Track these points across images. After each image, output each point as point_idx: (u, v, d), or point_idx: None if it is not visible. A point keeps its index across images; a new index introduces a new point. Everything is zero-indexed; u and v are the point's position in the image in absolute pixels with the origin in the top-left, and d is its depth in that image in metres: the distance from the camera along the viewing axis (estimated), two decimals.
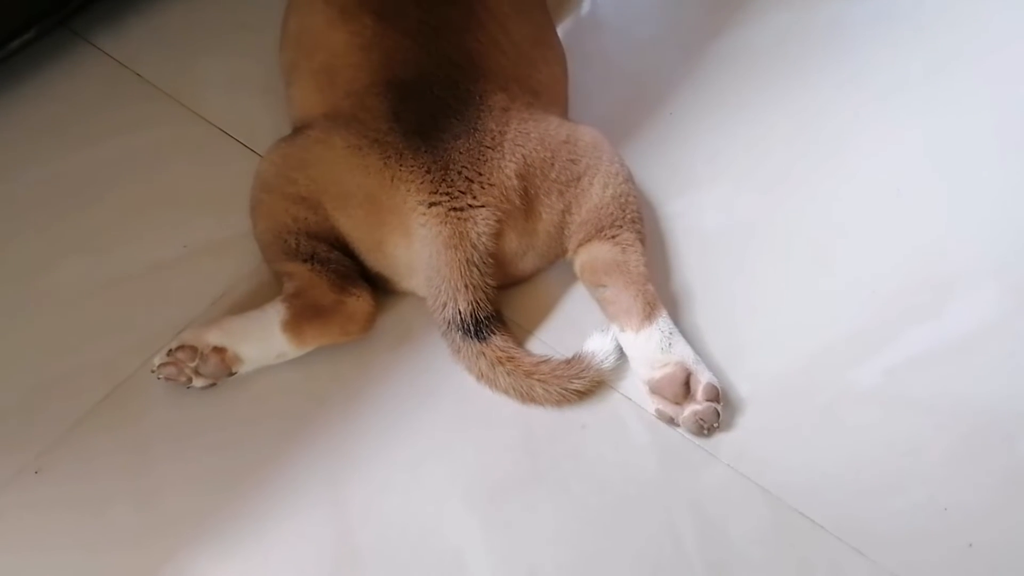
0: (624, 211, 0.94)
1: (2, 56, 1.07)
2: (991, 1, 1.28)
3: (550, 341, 0.94)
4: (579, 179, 0.93)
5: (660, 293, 0.94)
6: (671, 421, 0.87)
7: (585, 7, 1.28)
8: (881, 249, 1.03)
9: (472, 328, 0.87)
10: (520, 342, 0.92)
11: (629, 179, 0.96)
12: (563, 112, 1.04)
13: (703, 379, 0.86)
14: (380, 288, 0.93)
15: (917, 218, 1.06)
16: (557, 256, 0.95)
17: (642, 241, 0.93)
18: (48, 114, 1.10)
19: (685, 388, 0.86)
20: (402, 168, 0.87)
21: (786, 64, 1.21)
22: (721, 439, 0.88)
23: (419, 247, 0.88)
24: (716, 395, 0.86)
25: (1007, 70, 1.20)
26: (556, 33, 1.09)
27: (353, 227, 0.90)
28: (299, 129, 0.95)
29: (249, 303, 0.92)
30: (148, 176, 1.05)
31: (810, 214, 1.06)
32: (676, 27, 1.24)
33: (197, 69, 1.15)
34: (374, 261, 0.91)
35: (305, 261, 0.88)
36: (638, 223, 0.94)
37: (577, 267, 0.93)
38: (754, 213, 1.06)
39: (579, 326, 0.93)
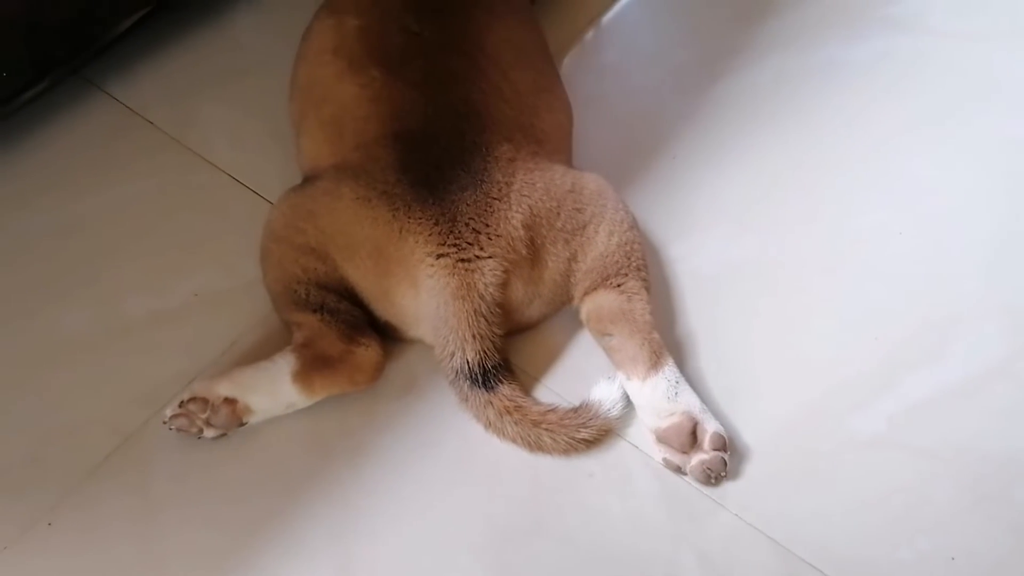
0: (629, 259, 0.95)
1: (16, 107, 1.08)
2: (992, 43, 1.29)
3: (557, 389, 0.95)
4: (584, 227, 0.94)
5: (664, 338, 0.95)
6: (678, 470, 0.88)
7: (581, 51, 1.29)
8: (883, 291, 1.04)
9: (480, 377, 0.87)
10: (527, 390, 0.93)
11: (634, 226, 0.97)
12: (567, 158, 1.06)
13: (710, 428, 0.87)
14: (387, 336, 0.94)
15: (919, 259, 1.07)
16: (563, 303, 0.96)
17: (647, 288, 0.94)
18: (58, 162, 1.11)
19: (692, 437, 0.87)
20: (410, 220, 0.89)
21: (786, 106, 1.23)
22: (728, 488, 0.88)
23: (426, 297, 0.89)
24: (723, 444, 0.86)
25: (1009, 111, 1.22)
26: (559, 79, 1.11)
27: (361, 277, 0.91)
28: (308, 179, 0.97)
29: (259, 351, 0.93)
30: (158, 223, 1.06)
31: (811, 256, 1.07)
32: (677, 71, 1.26)
33: (207, 115, 1.17)
34: (382, 310, 0.92)
35: (314, 311, 0.89)
36: (643, 270, 0.95)
37: (583, 316, 0.94)
38: (755, 255, 1.07)
39: (586, 373, 0.94)
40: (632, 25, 1.31)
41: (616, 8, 1.32)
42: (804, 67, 1.27)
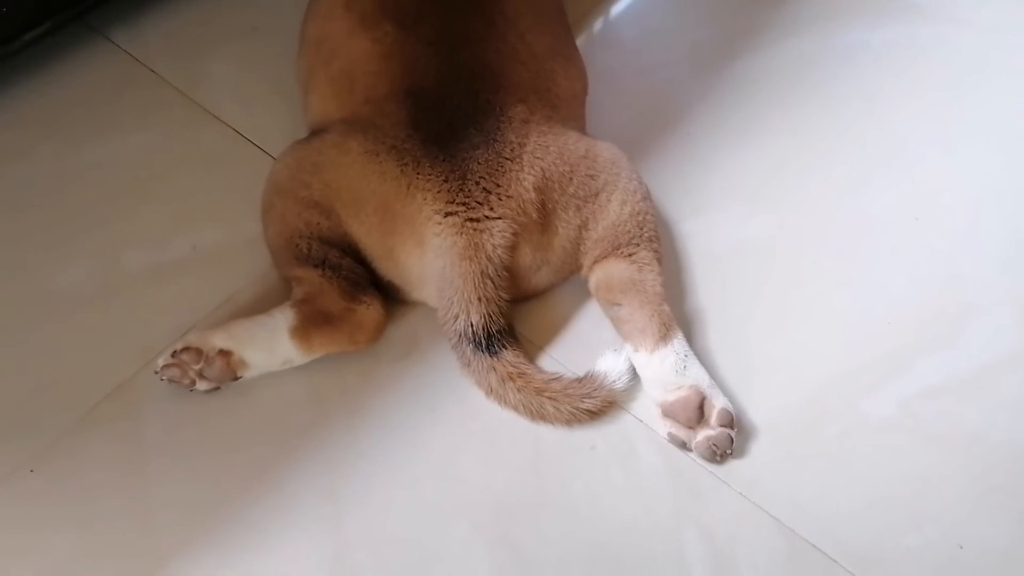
0: (642, 229, 0.92)
1: (17, 47, 1.05)
2: (1015, 34, 1.27)
3: (562, 359, 0.92)
4: (597, 195, 0.92)
5: (673, 313, 0.93)
6: (683, 445, 0.86)
7: (599, 24, 1.27)
8: (898, 275, 1.02)
9: (484, 342, 0.85)
10: (532, 359, 0.91)
11: (647, 197, 0.95)
12: (581, 127, 1.03)
13: (718, 404, 0.84)
14: (390, 297, 0.92)
15: (935, 245, 1.05)
16: (572, 272, 0.94)
17: (659, 260, 0.92)
18: (58, 109, 1.08)
19: (699, 412, 0.84)
20: (419, 176, 0.86)
21: (804, 89, 1.20)
22: (734, 466, 0.86)
23: (432, 257, 0.86)
24: (730, 421, 0.84)
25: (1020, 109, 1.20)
26: (576, 47, 1.08)
27: (365, 233, 0.88)
28: (316, 132, 0.94)
29: (256, 308, 0.90)
30: (159, 176, 1.03)
31: (826, 238, 1.05)
32: (695, 49, 1.23)
33: (213, 69, 1.14)
34: (385, 269, 0.89)
35: (316, 267, 0.87)
36: (655, 242, 0.93)
37: (592, 284, 0.92)
38: (769, 236, 1.05)
39: (592, 345, 0.92)
40: (651, 1, 1.28)
41: None
42: (824, 50, 1.25)
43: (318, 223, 0.88)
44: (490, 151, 0.88)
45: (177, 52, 1.15)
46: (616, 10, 1.27)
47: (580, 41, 1.21)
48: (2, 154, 1.04)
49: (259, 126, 1.08)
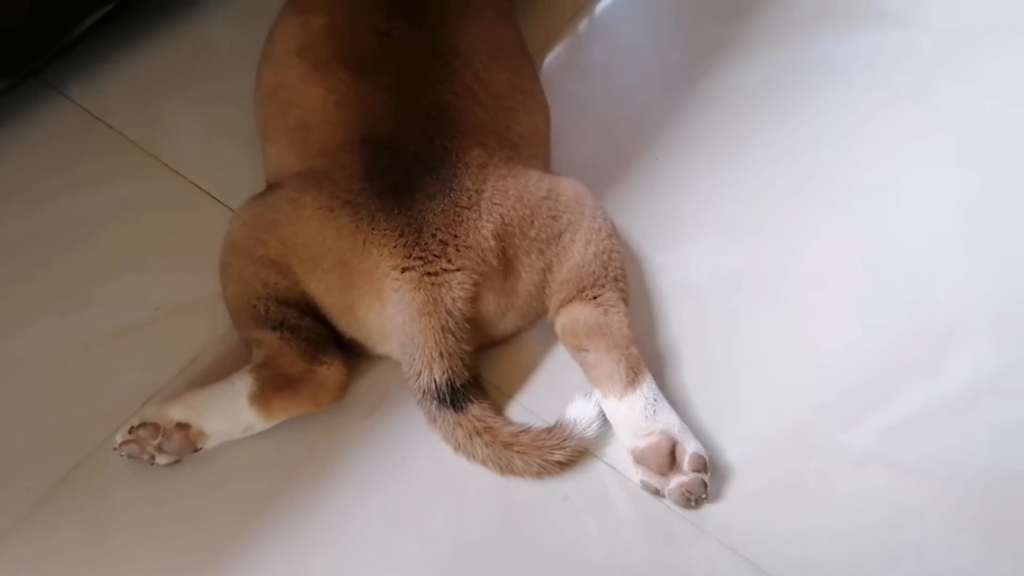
0: (607, 269, 0.90)
1: None
2: (988, 39, 1.24)
3: (530, 405, 0.91)
4: (560, 236, 0.90)
5: (646, 350, 0.91)
6: (657, 492, 0.84)
7: (563, 49, 1.24)
8: (874, 300, 1.00)
9: (448, 397, 0.83)
10: (499, 407, 0.89)
11: (612, 234, 0.93)
12: (545, 162, 1.01)
13: (689, 448, 0.83)
14: (353, 352, 0.90)
15: (912, 268, 1.03)
16: (538, 315, 0.92)
17: (625, 300, 0.90)
18: (15, 169, 1.07)
19: (671, 458, 0.83)
20: (374, 231, 0.84)
21: (775, 106, 1.18)
22: (709, 511, 0.84)
23: (392, 312, 0.84)
24: (703, 465, 0.82)
25: (1006, 110, 1.17)
26: (537, 79, 1.06)
27: (324, 291, 0.87)
28: (271, 187, 0.92)
29: (221, 367, 0.89)
30: (119, 233, 1.02)
31: (801, 264, 1.03)
32: (661, 69, 1.21)
33: (170, 119, 1.12)
34: (346, 326, 0.88)
35: (275, 329, 0.85)
36: (621, 281, 0.91)
37: (558, 329, 0.90)
38: (743, 264, 1.03)
39: (561, 388, 0.90)
40: (615, 21, 1.26)
41: (599, 4, 1.27)
42: (795, 64, 1.22)
43: (275, 282, 0.87)
44: (447, 200, 0.86)
45: (134, 103, 1.13)
46: (579, 32, 1.24)
47: (544, 66, 1.19)
48: None
49: (219, 178, 1.07)
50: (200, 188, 1.06)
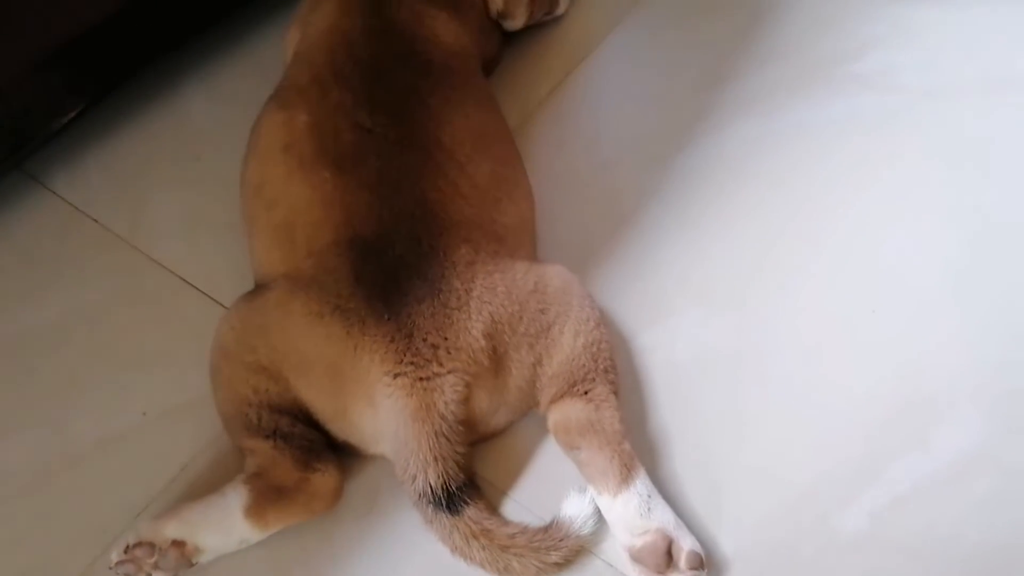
0: (596, 361, 0.91)
1: None
2: (958, 101, 1.27)
3: (525, 501, 0.91)
4: (549, 329, 0.90)
5: (637, 438, 0.92)
6: None
7: (543, 125, 1.25)
8: (859, 373, 1.01)
9: (444, 501, 0.83)
10: (495, 506, 0.89)
11: (600, 323, 0.94)
12: (531, 250, 1.02)
13: (685, 546, 0.83)
14: (346, 453, 0.90)
15: (895, 337, 1.04)
16: (530, 408, 0.93)
17: (615, 392, 0.91)
18: (1, 267, 1.06)
19: (667, 557, 0.83)
20: (365, 337, 0.85)
21: (753, 174, 1.20)
22: None
23: (385, 417, 0.85)
24: (700, 562, 0.83)
25: (980, 174, 1.19)
26: (520, 163, 1.07)
27: (316, 396, 0.87)
28: (260, 289, 0.92)
29: (211, 475, 0.89)
30: (103, 332, 1.01)
31: (784, 337, 1.04)
32: (641, 141, 1.22)
33: (154, 209, 1.12)
34: (339, 430, 0.88)
35: (267, 437, 0.85)
36: (611, 372, 0.92)
37: (551, 426, 0.91)
38: (727, 340, 1.04)
39: (556, 482, 0.90)
40: (591, 94, 1.27)
41: (576, 77, 1.28)
42: (771, 131, 1.24)
43: (267, 388, 0.87)
44: (436, 303, 0.86)
45: (118, 194, 1.13)
46: (560, 109, 1.26)
47: (523, 141, 1.20)
48: None
49: (204, 269, 1.06)
50: (186, 281, 1.06)
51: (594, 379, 0.90)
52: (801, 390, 1.00)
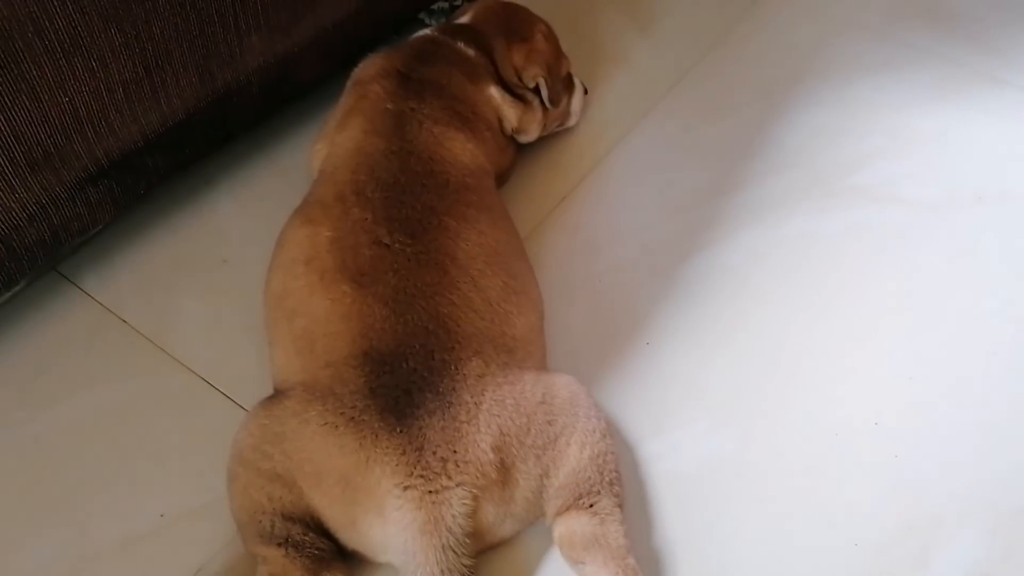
0: (602, 473, 0.94)
1: None
2: (958, 211, 1.31)
3: None
4: (556, 440, 0.93)
5: (641, 551, 0.93)
6: None
7: (552, 230, 1.30)
8: (863, 490, 1.02)
9: None
10: None
11: (606, 434, 0.97)
12: (540, 358, 1.06)
13: None
14: (356, 560, 0.92)
15: (897, 452, 1.06)
16: (537, 518, 0.95)
17: (620, 506, 0.93)
18: (26, 367, 1.10)
19: None
20: (377, 450, 0.88)
21: (759, 283, 1.24)
22: None
23: (394, 529, 0.87)
24: None
25: (982, 283, 1.23)
26: (532, 275, 1.12)
27: (328, 505, 0.90)
28: (278, 395, 0.96)
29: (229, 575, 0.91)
30: (125, 433, 1.05)
31: (789, 450, 1.06)
32: (648, 249, 1.27)
33: (183, 311, 1.17)
34: (349, 539, 0.90)
35: (279, 545, 0.88)
36: (616, 484, 0.94)
37: (556, 539, 0.93)
38: (731, 452, 1.06)
39: None
40: (602, 203, 1.33)
41: (586, 186, 1.34)
42: (775, 242, 1.28)
43: (280, 496, 0.90)
44: (446, 416, 0.90)
45: (147, 295, 1.18)
46: (570, 217, 1.31)
47: (536, 250, 1.25)
48: None
49: (228, 373, 1.11)
50: (209, 383, 1.10)
51: (599, 492, 0.93)
52: (804, 506, 1.01)
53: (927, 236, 1.28)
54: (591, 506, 0.92)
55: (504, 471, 0.90)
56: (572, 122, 1.38)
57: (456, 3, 1.50)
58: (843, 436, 1.07)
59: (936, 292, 1.22)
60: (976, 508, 1.01)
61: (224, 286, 1.19)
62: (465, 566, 0.87)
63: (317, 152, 1.20)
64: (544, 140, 1.35)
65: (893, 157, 1.39)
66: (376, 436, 0.88)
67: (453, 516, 0.86)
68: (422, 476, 0.87)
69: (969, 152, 1.39)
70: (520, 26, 1.26)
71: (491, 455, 0.90)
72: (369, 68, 1.18)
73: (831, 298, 1.21)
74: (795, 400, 1.11)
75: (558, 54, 1.30)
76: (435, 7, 1.49)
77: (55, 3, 0.88)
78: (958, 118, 1.43)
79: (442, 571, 0.85)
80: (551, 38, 1.29)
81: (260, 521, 0.89)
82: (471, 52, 1.21)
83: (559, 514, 0.92)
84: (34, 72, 0.91)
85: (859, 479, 1.03)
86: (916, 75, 1.50)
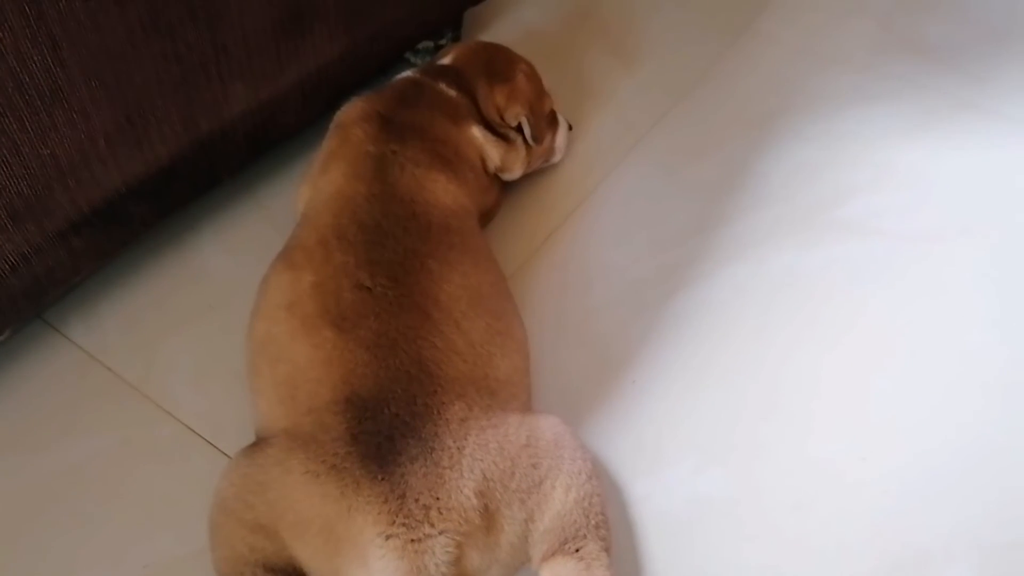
0: (588, 517, 0.93)
1: None
2: (942, 244, 1.32)
3: None
4: (541, 483, 0.93)
5: None
6: None
7: (539, 266, 1.30)
8: (850, 527, 1.02)
9: None
10: None
11: (592, 476, 0.96)
12: (525, 399, 1.05)
13: None
14: None
15: (885, 488, 1.05)
16: (523, 563, 0.94)
17: (607, 549, 0.92)
18: (16, 418, 1.10)
19: None
20: (359, 498, 0.87)
21: (745, 319, 1.24)
22: None
23: None
24: None
25: (966, 318, 1.23)
26: (516, 316, 1.12)
27: (311, 556, 0.88)
28: (260, 443, 0.96)
29: None
30: (111, 482, 1.04)
31: (776, 487, 1.06)
32: (634, 287, 1.27)
33: (165, 358, 1.17)
34: None
35: None
36: (602, 528, 0.93)
37: None
38: (719, 490, 1.05)
39: None
40: (588, 240, 1.33)
41: (571, 223, 1.34)
42: (761, 277, 1.28)
43: (263, 547, 0.89)
44: (428, 462, 0.89)
45: (131, 342, 1.18)
46: (555, 255, 1.31)
47: (520, 289, 1.25)
48: None
49: (212, 420, 1.10)
50: (193, 431, 1.09)
51: (585, 536, 0.92)
52: (793, 546, 1.01)
53: (913, 269, 1.28)
54: (577, 550, 0.91)
55: (488, 517, 0.90)
56: (557, 158, 1.39)
57: (441, 42, 1.52)
58: (831, 472, 1.07)
59: (923, 325, 1.22)
60: (964, 543, 1.00)
61: (209, 332, 1.19)
62: None
63: (301, 195, 1.20)
64: (530, 177, 1.36)
65: (878, 190, 1.40)
66: (358, 484, 0.88)
67: (436, 564, 0.85)
68: (404, 524, 0.86)
69: (954, 183, 1.40)
70: (501, 66, 1.27)
71: (474, 501, 0.89)
72: (351, 111, 1.19)
73: (818, 333, 1.21)
74: (782, 437, 1.10)
75: (540, 92, 1.31)
76: (420, 47, 1.51)
77: (34, 57, 0.89)
78: (943, 149, 1.44)
79: None
80: (533, 77, 1.30)
81: (242, 572, 0.88)
82: (453, 93, 1.22)
83: (545, 559, 0.91)
84: (15, 126, 0.91)
85: (847, 516, 1.03)
86: (899, 107, 1.51)
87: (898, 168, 1.42)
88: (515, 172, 1.30)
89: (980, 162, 1.42)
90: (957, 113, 1.50)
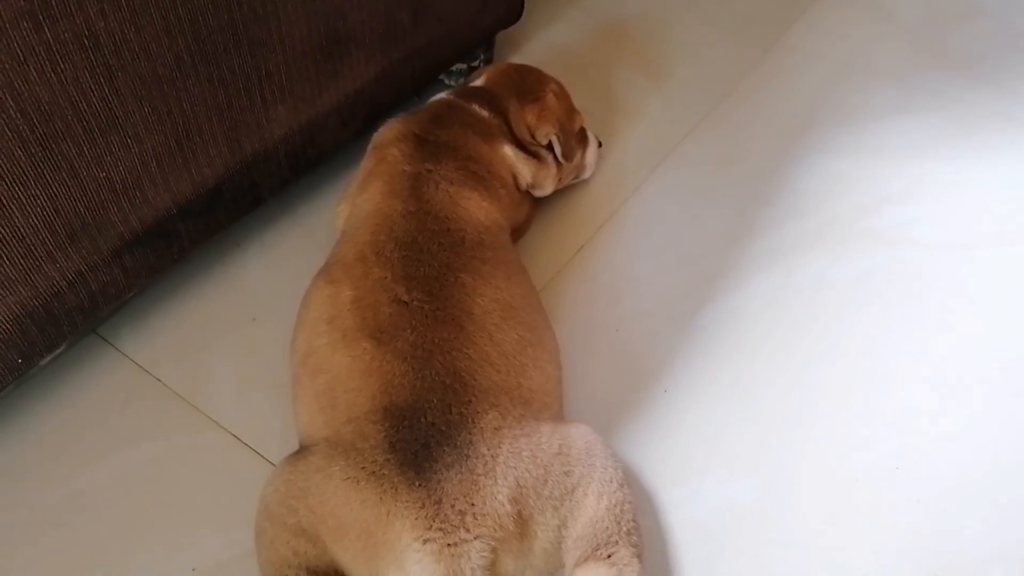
0: (619, 523, 0.95)
1: (33, 373, 1.14)
2: (973, 251, 1.32)
3: None
4: (573, 491, 0.95)
5: None
6: None
7: (571, 278, 1.33)
8: (883, 537, 1.02)
9: None
10: None
11: (623, 483, 0.98)
12: (557, 409, 1.08)
13: None
14: None
15: (918, 497, 1.06)
16: (556, 569, 0.96)
17: (638, 556, 0.94)
18: (66, 427, 1.15)
19: None
20: (397, 503, 0.90)
21: (774, 331, 1.25)
22: None
23: None
24: None
25: (1000, 327, 1.23)
26: (548, 327, 1.14)
27: (351, 559, 0.92)
28: (303, 451, 1.00)
29: None
30: (158, 491, 1.09)
31: (810, 497, 1.06)
32: (664, 298, 1.29)
33: (212, 369, 1.22)
34: None
35: None
36: (634, 534, 0.95)
37: None
38: (751, 500, 1.07)
39: None
40: (618, 252, 1.35)
41: (602, 236, 1.37)
42: (791, 288, 1.30)
43: (305, 551, 0.92)
44: (463, 469, 0.92)
45: (180, 355, 1.23)
46: (586, 266, 1.34)
47: (552, 300, 1.28)
48: (19, 481, 1.10)
49: (257, 429, 1.14)
50: (239, 439, 1.14)
51: (617, 542, 0.94)
52: (825, 553, 1.01)
53: (946, 279, 1.29)
54: (609, 556, 0.93)
55: (522, 523, 0.92)
56: (587, 174, 1.42)
57: (474, 64, 1.56)
58: (864, 481, 1.07)
59: (956, 335, 1.22)
60: (1002, 551, 1.00)
61: (253, 344, 1.24)
62: None
63: (340, 213, 1.25)
64: (561, 192, 1.39)
65: (908, 200, 1.40)
66: (396, 490, 0.91)
67: (472, 569, 0.88)
68: (441, 529, 0.89)
69: (985, 193, 1.40)
70: (532, 86, 1.30)
71: (508, 507, 0.91)
72: (387, 132, 1.23)
73: (850, 343, 1.22)
74: (815, 446, 1.11)
75: (570, 110, 1.34)
76: (454, 68, 1.55)
77: (91, 86, 0.95)
78: (973, 158, 1.45)
79: None
80: (562, 96, 1.34)
81: (286, 575, 0.92)
82: (485, 113, 1.26)
83: (578, 565, 0.93)
84: (73, 151, 0.97)
85: (881, 525, 1.03)
86: (929, 118, 1.52)
87: (930, 179, 1.43)
88: (546, 189, 1.33)
89: (1013, 171, 1.42)
90: (989, 123, 1.50)
